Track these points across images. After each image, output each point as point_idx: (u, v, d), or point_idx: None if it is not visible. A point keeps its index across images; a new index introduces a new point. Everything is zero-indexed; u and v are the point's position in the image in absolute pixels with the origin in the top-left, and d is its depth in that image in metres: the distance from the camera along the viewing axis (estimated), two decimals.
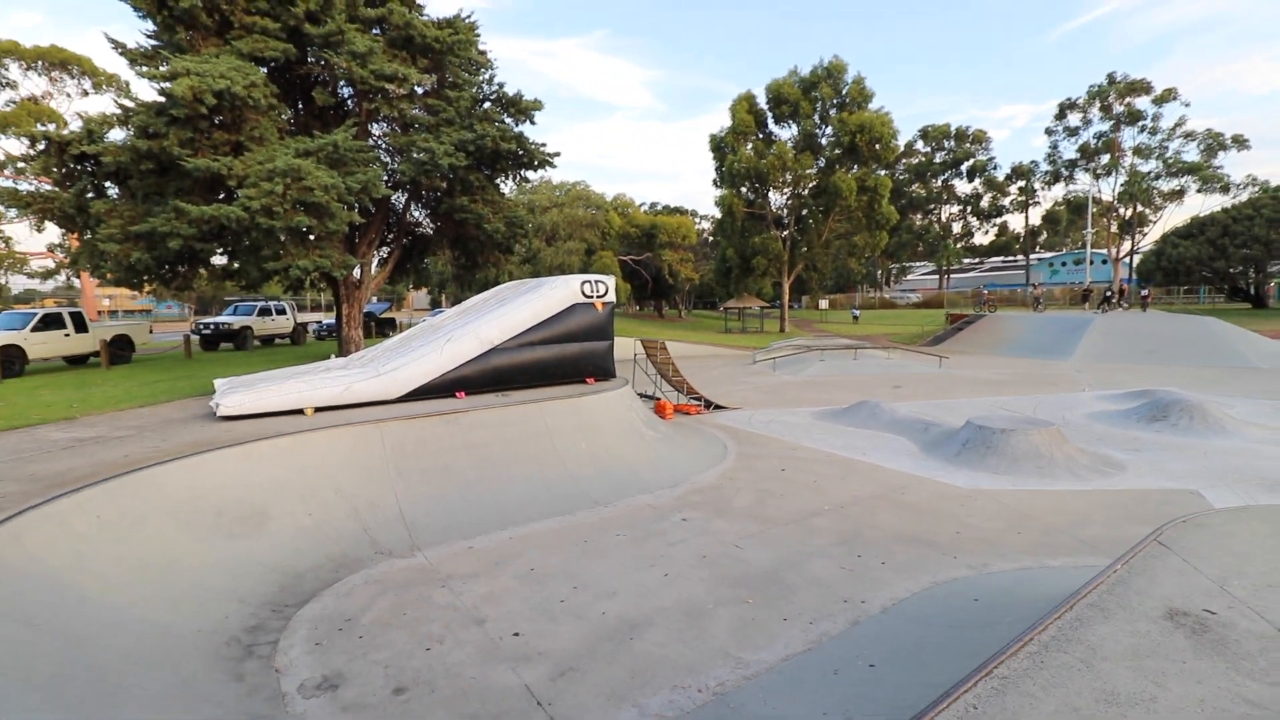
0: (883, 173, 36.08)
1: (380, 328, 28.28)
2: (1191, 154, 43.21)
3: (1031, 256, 62.63)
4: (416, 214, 19.05)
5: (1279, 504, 6.19)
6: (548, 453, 7.84)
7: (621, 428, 8.99)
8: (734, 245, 37.66)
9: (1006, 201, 57.87)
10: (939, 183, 58.95)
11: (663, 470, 8.23)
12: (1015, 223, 61.79)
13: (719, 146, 36.33)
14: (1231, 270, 37.88)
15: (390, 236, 19.07)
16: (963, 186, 58.79)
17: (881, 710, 3.12)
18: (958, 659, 3.00)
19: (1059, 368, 19.89)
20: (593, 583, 5.11)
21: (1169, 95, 42.82)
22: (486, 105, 17.02)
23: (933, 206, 60.47)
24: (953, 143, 56.83)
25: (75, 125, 12.57)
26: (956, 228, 62.12)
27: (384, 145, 16.69)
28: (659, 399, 12.94)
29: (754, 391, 15.73)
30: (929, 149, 57.92)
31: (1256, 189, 40.67)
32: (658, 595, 4.88)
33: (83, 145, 12.07)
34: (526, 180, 20.67)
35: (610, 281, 10.28)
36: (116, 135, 12.79)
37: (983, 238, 63.35)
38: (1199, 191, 43.23)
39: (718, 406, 13.10)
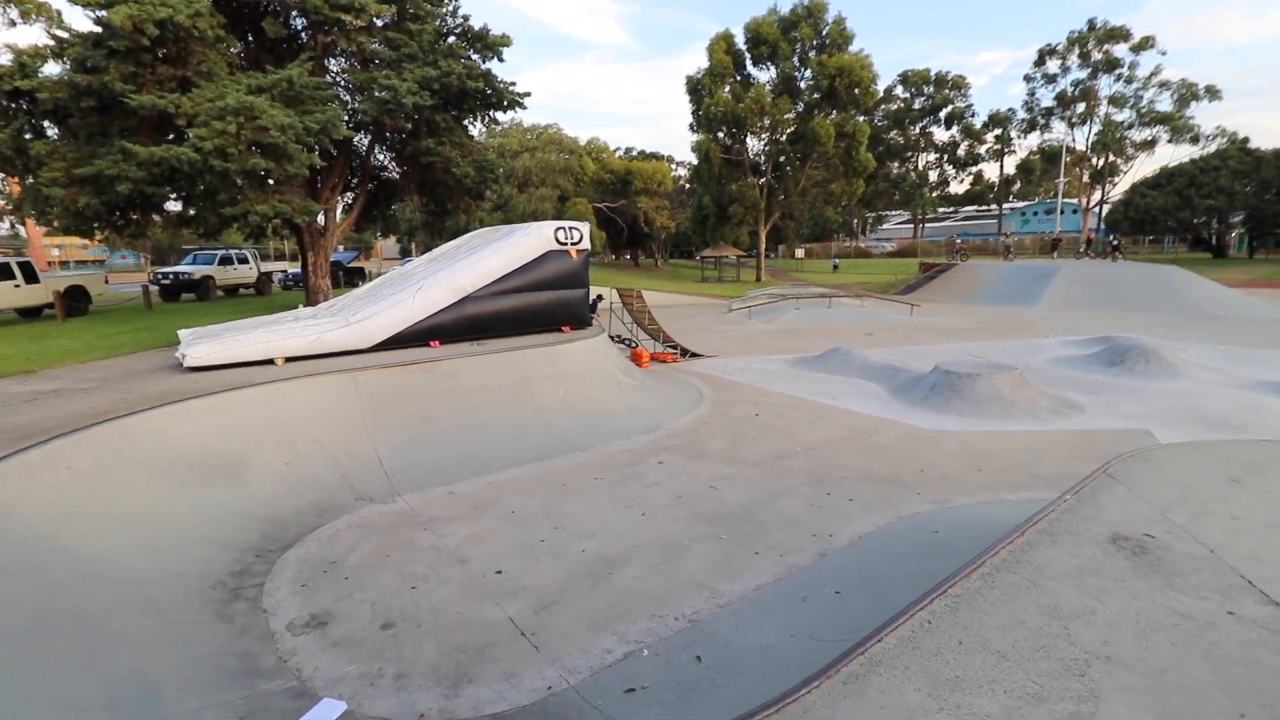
0: (861, 119, 35.52)
1: (348, 277, 27.55)
2: (1165, 104, 43.37)
3: (1005, 206, 62.98)
4: (381, 157, 18.27)
5: (1221, 439, 6.57)
6: (525, 400, 7.88)
7: (598, 375, 9.05)
8: (711, 193, 37.10)
9: (983, 150, 57.68)
10: (917, 130, 58.32)
11: (639, 416, 8.36)
12: (990, 171, 61.84)
13: (696, 89, 35.29)
14: (1196, 221, 38.67)
15: (355, 181, 18.33)
16: (940, 134, 58.31)
17: (845, 630, 3.33)
18: (918, 585, 3.19)
19: (1026, 315, 20.40)
20: (572, 524, 5.25)
21: (1147, 43, 42.51)
22: (451, 40, 16.15)
23: (910, 154, 59.96)
24: (932, 88, 55.91)
25: (5, 58, 11.59)
26: (933, 176, 61.93)
27: (343, 83, 15.82)
28: (636, 347, 13.00)
29: (729, 339, 15.87)
30: (908, 95, 56.95)
31: (1225, 140, 41.10)
32: (635, 534, 5.04)
33: (15, 80, 11.20)
34: (496, 123, 19.88)
35: (584, 228, 10.13)
36: (52, 69, 11.90)
37: (958, 186, 63.28)
38: (1170, 142, 43.59)
39: (694, 354, 13.22)
